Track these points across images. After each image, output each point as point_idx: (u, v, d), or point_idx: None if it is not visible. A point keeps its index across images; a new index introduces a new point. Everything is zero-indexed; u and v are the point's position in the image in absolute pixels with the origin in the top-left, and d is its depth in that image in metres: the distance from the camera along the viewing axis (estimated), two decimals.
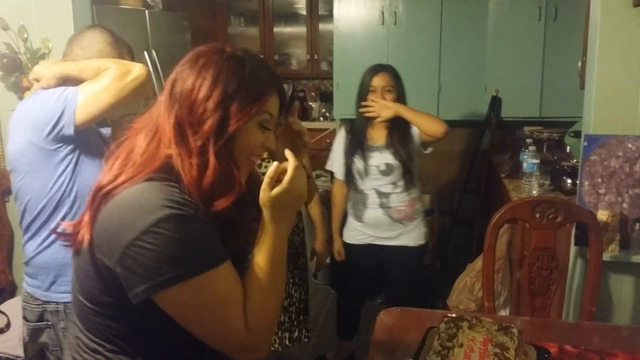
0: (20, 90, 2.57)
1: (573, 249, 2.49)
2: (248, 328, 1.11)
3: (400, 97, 2.85)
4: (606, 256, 2.34)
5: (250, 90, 1.16)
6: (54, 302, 1.85)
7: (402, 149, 2.81)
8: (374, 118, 2.82)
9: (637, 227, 2.40)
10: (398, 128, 2.82)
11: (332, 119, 5.20)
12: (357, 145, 2.89)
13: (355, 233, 2.98)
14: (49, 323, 1.87)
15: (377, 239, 2.93)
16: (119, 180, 1.09)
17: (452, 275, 4.26)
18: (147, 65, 1.83)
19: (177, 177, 1.10)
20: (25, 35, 2.53)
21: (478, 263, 3.58)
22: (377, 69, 2.86)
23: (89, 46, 1.88)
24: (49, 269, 1.85)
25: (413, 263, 2.98)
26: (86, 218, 1.11)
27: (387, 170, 2.83)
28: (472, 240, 4.49)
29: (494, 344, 1.50)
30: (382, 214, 2.87)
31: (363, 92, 2.85)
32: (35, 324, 1.89)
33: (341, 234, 3.07)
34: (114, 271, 1.05)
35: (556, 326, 1.99)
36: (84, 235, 1.10)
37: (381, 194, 2.85)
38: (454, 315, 1.70)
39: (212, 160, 1.10)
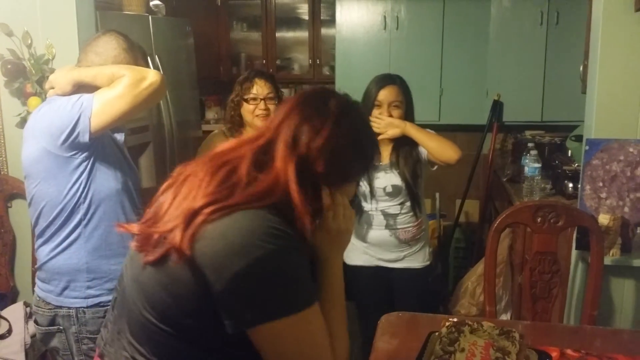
0: (24, 96, 2.58)
1: (574, 253, 2.49)
2: None
3: (408, 113, 2.57)
4: (607, 260, 2.34)
5: (369, 156, 1.28)
6: (66, 307, 1.87)
7: (407, 169, 2.54)
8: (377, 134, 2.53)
9: (638, 231, 2.41)
10: (403, 145, 2.55)
11: None
12: None
13: (359, 254, 2.68)
14: (60, 327, 1.89)
15: (382, 260, 2.67)
16: (231, 202, 1.07)
17: (453, 279, 4.28)
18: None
19: (289, 212, 1.10)
20: (29, 41, 2.55)
21: (479, 267, 3.59)
22: (384, 81, 2.55)
23: (104, 52, 1.88)
24: (61, 274, 1.86)
25: (420, 286, 2.73)
26: (179, 233, 1.05)
27: (393, 192, 2.57)
28: (474, 244, 4.49)
29: (496, 348, 1.51)
30: (388, 236, 2.61)
31: (367, 105, 2.53)
32: (47, 328, 1.91)
33: None
34: (213, 294, 1.03)
35: (557, 330, 1.99)
36: (184, 250, 1.03)
37: (388, 215, 2.60)
38: (455, 319, 1.71)
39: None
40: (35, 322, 1.96)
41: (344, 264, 2.75)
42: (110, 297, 1.79)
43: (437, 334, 1.65)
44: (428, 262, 2.73)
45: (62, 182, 1.79)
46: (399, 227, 2.60)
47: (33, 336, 2.56)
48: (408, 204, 2.59)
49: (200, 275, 1.03)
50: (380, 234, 2.62)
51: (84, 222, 1.83)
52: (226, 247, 1.02)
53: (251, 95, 2.58)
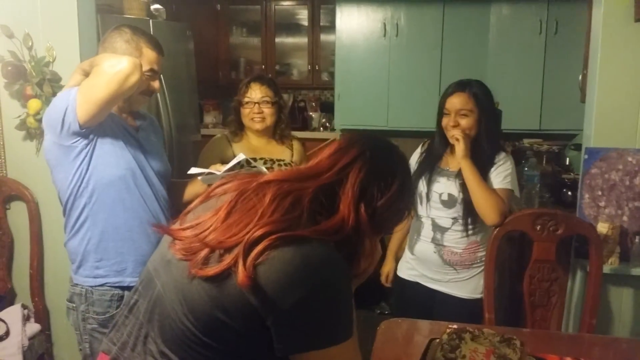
0: (23, 99, 2.57)
1: (573, 261, 2.50)
2: None
3: (482, 122, 2.32)
4: (606, 269, 2.35)
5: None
6: (80, 285, 1.97)
7: None
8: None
9: (637, 240, 2.42)
10: (478, 161, 2.28)
11: (333, 129, 5.22)
12: (427, 166, 2.43)
13: (407, 266, 2.52)
14: (74, 305, 1.99)
15: (426, 278, 2.44)
16: (299, 233, 1.10)
17: None
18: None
19: (345, 251, 1.17)
20: (30, 44, 2.54)
21: None
22: (453, 88, 2.37)
23: (109, 46, 1.95)
24: (76, 254, 1.99)
25: (462, 319, 2.12)
26: (242, 255, 1.06)
27: (449, 202, 2.35)
28: None
29: (497, 355, 1.51)
30: (432, 251, 2.39)
31: (439, 113, 2.41)
32: (67, 303, 2.03)
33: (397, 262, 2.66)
34: (270, 316, 1.05)
35: (556, 338, 1.99)
36: (246, 272, 1.04)
37: (437, 227, 2.38)
38: (456, 326, 1.71)
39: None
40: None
41: (397, 275, 2.63)
42: (116, 280, 1.93)
43: (438, 340, 1.65)
44: (478, 295, 2.37)
45: (67, 169, 1.89)
46: (445, 244, 2.37)
47: (31, 338, 2.56)
48: (461, 221, 2.34)
49: (260, 297, 1.04)
50: (424, 248, 2.42)
51: (89, 206, 1.92)
52: (293, 273, 1.05)
53: (246, 99, 2.62)
